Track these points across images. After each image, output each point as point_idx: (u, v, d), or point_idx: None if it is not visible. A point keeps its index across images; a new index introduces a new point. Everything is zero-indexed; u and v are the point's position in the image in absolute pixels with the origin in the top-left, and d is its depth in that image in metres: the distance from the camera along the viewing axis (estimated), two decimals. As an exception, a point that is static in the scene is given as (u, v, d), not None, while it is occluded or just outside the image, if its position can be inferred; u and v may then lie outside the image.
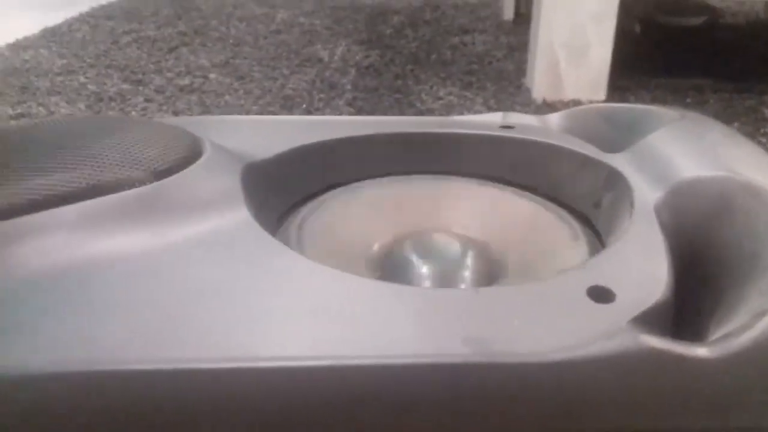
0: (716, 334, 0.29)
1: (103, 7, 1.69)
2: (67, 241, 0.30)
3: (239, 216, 0.33)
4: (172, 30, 1.45)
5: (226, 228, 0.32)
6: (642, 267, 0.31)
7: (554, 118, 0.48)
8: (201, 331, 0.27)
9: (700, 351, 0.27)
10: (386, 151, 0.44)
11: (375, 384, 0.26)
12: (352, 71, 1.18)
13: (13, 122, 0.93)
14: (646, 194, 0.36)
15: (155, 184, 0.33)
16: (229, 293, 0.29)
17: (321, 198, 0.42)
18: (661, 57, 1.22)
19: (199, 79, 1.12)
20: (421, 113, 0.97)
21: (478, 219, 0.42)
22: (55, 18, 1.53)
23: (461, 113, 0.97)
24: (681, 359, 0.26)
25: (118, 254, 0.30)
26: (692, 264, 0.33)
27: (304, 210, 0.40)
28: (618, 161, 0.40)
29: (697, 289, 0.33)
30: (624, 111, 0.46)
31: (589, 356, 0.26)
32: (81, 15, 1.58)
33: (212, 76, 1.14)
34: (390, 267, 0.38)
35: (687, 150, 0.38)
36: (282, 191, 0.40)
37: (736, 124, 0.92)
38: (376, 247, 0.40)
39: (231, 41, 1.37)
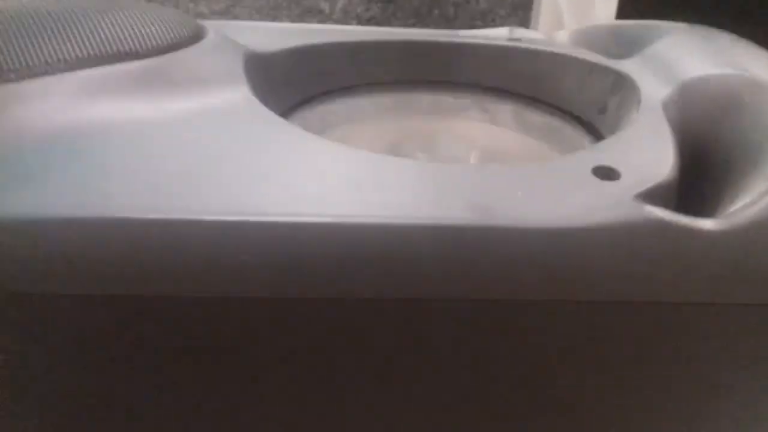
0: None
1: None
2: (71, 105, 0.30)
3: (243, 96, 0.33)
4: (173, -22, 1.43)
5: (230, 105, 0.32)
6: (648, 150, 0.30)
7: (562, 35, 0.47)
8: (210, 188, 0.26)
9: (706, 223, 0.27)
10: (390, 57, 0.43)
11: (379, 242, 0.26)
12: (353, 23, 1.17)
13: None
14: (654, 93, 0.35)
15: (157, 57, 0.33)
16: (236, 158, 0.28)
17: (319, 99, 0.41)
18: (669, 10, 1.21)
19: (199, 25, 1.11)
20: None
21: (479, 142, 0.41)
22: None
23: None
24: (686, 231, 0.26)
25: (122, 120, 0.30)
26: (698, 158, 0.33)
27: (305, 110, 0.40)
28: (626, 66, 0.39)
29: (702, 180, 0.32)
30: (632, 25, 0.45)
31: (593, 225, 0.26)
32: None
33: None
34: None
35: (695, 51, 0.38)
36: (282, 88, 0.39)
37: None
38: (380, 145, 0.40)
39: (232, -10, 1.35)
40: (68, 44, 0.31)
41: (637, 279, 0.27)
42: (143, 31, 0.33)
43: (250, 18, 1.17)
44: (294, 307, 0.26)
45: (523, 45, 0.43)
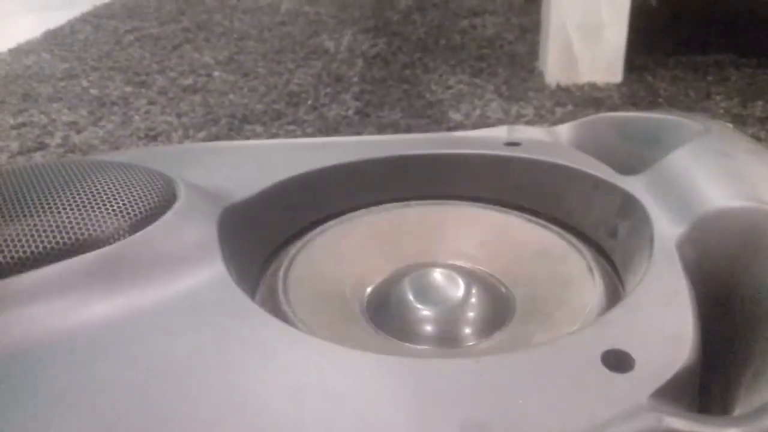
0: (750, 397, 0.26)
1: (105, 5, 1.66)
2: (17, 317, 0.27)
3: (215, 274, 0.30)
4: (176, 26, 1.42)
5: (199, 290, 0.29)
6: (664, 323, 0.27)
7: (564, 131, 0.44)
8: (160, 426, 0.24)
9: None
10: (379, 177, 0.40)
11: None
12: (359, 62, 1.14)
13: (14, 131, 0.91)
14: (667, 228, 0.32)
15: (118, 244, 0.30)
16: (198, 374, 0.26)
17: (309, 235, 0.38)
18: (679, 32, 1.17)
19: (203, 78, 1.09)
20: (430, 105, 0.94)
21: (481, 248, 0.38)
22: (57, 18, 1.51)
23: (472, 102, 0.93)
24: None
25: (77, 329, 0.27)
26: (719, 311, 0.30)
27: (292, 250, 0.37)
28: (635, 186, 0.36)
29: (724, 341, 0.29)
30: (641, 122, 0.42)
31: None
32: (83, 15, 1.56)
33: (216, 74, 1.12)
34: (385, 314, 0.35)
35: (711, 174, 0.34)
36: (268, 231, 0.37)
37: (759, 102, 0.87)
38: (369, 289, 0.37)
39: (235, 35, 1.33)
40: (14, 240, 0.29)
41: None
42: (102, 210, 0.31)
43: (255, 65, 1.15)
44: None
45: (524, 155, 0.40)
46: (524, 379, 0.25)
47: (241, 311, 0.29)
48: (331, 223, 0.39)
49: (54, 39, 1.37)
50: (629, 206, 0.35)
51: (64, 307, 0.28)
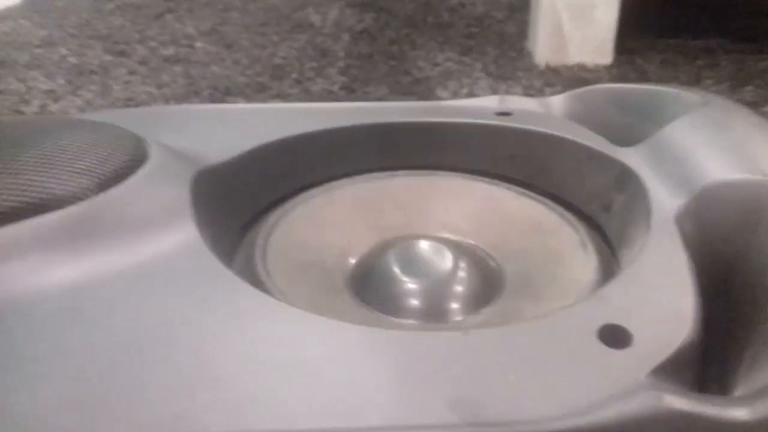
0: (750, 378, 0.24)
1: (87, -28, 1.62)
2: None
3: (187, 239, 0.28)
4: (158, -5, 1.38)
5: (170, 255, 0.28)
6: (664, 298, 0.26)
7: (557, 102, 0.42)
8: (129, 396, 0.22)
9: (738, 413, 0.22)
10: (364, 145, 0.38)
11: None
12: (346, 37, 1.12)
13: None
14: (665, 201, 0.30)
15: (83, 204, 0.28)
16: (171, 342, 0.24)
17: (291, 203, 0.37)
18: (670, 15, 1.15)
19: (185, 49, 1.07)
20: (417, 82, 0.92)
21: (471, 221, 0.37)
22: (37, -15, 1.46)
23: (459, 80, 0.92)
24: (712, 424, 0.22)
25: (40, 292, 0.25)
26: (719, 287, 0.28)
27: (272, 218, 0.35)
28: (631, 157, 0.34)
29: (725, 316, 0.28)
30: (637, 93, 0.40)
31: (600, 423, 0.22)
32: (63, -19, 1.51)
33: (198, 44, 1.09)
34: (369, 286, 0.33)
35: (711, 146, 0.32)
36: (245, 198, 0.35)
37: (749, 88, 0.86)
38: (353, 260, 0.35)
39: (219, 6, 1.31)
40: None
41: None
42: (69, 168, 0.29)
43: (238, 36, 1.13)
44: None
45: (515, 125, 0.38)
46: (515, 353, 0.24)
47: (216, 278, 0.27)
48: (312, 191, 0.37)
49: (33, 6, 1.33)
50: (625, 178, 0.33)
51: (26, 270, 0.26)
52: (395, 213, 0.37)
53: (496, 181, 0.38)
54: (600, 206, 0.35)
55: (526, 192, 0.37)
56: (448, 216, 0.37)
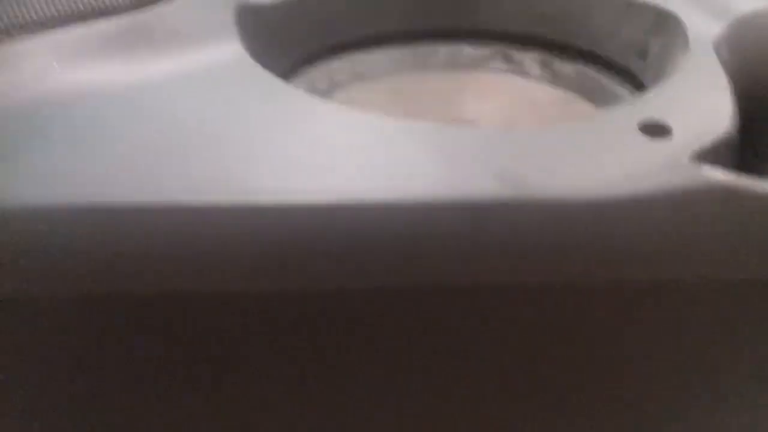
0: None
1: None
2: (40, 73, 0.26)
3: (235, 55, 0.29)
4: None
5: (220, 65, 0.28)
6: (701, 99, 0.26)
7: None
8: (193, 165, 0.23)
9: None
10: (402, 4, 0.39)
11: (393, 223, 0.22)
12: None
13: None
14: (703, 31, 0.31)
15: (136, 13, 0.29)
16: (228, 129, 0.25)
17: (325, 56, 0.37)
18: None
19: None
20: None
21: (506, 119, 0.37)
22: None
23: None
24: (755, 198, 0.22)
25: (97, 89, 0.27)
26: (756, 108, 0.29)
27: (310, 68, 0.36)
28: (668, 0, 0.35)
29: (761, 135, 0.28)
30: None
31: (643, 193, 0.22)
32: None
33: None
34: None
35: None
36: (282, 43, 0.35)
37: None
38: (394, 107, 0.36)
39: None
40: (32, 2, 0.28)
41: (692, 255, 0.23)
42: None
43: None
44: (297, 301, 0.23)
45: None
46: (560, 143, 0.25)
47: (268, 85, 0.28)
48: (349, 47, 0.38)
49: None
50: (661, 21, 0.34)
51: (80, 70, 0.27)
52: (429, 109, 0.38)
53: (534, 78, 0.38)
54: (636, 54, 0.35)
55: (569, 92, 0.37)
56: (481, 113, 0.38)
